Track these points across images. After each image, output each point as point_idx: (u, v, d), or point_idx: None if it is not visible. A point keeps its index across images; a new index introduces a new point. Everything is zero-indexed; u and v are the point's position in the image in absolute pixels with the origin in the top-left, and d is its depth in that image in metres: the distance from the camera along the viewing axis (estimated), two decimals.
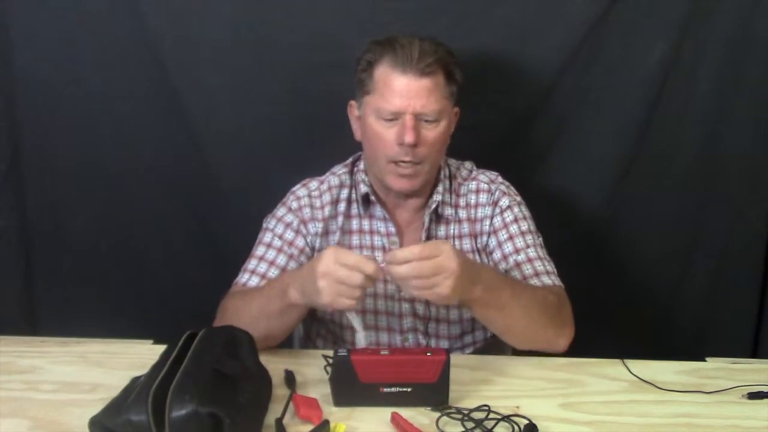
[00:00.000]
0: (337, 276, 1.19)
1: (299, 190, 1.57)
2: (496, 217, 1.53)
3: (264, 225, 1.56)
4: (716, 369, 1.38)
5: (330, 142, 1.76)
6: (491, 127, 1.80)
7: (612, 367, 1.37)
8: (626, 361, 1.37)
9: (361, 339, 1.28)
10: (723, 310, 1.90)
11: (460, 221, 1.54)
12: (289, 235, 1.52)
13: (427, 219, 1.52)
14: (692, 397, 1.27)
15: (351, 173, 1.57)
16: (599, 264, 1.88)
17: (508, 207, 1.53)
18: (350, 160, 1.59)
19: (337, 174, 1.57)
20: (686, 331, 1.91)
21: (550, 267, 1.49)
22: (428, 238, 1.52)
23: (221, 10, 1.74)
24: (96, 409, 1.09)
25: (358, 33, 1.68)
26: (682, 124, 1.78)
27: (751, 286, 1.87)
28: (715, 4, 1.69)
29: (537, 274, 1.46)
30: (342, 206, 1.54)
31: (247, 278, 1.50)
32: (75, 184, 1.88)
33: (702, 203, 1.84)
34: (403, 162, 1.42)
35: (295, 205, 1.54)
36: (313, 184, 1.57)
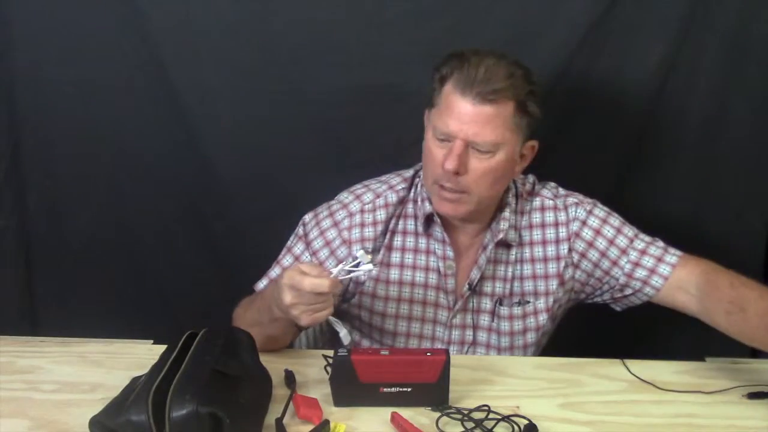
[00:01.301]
0: (304, 301, 1.18)
1: (352, 203, 1.45)
2: (583, 231, 1.45)
3: (302, 229, 1.47)
4: (716, 369, 1.38)
5: (330, 142, 1.76)
6: None
7: (612, 367, 1.37)
8: (626, 361, 1.37)
9: (346, 337, 1.27)
10: None
11: (522, 245, 1.46)
12: (323, 254, 1.44)
13: (491, 247, 1.43)
14: (692, 397, 1.28)
15: (410, 187, 1.47)
16: None
17: (588, 213, 1.46)
18: (411, 172, 1.49)
19: (396, 189, 1.46)
20: (686, 331, 1.90)
21: (661, 244, 1.45)
22: (488, 262, 1.44)
23: (221, 10, 1.74)
24: (96, 409, 1.09)
25: (359, 33, 1.68)
26: (682, 124, 1.78)
27: None
28: (715, 4, 1.69)
29: (660, 260, 1.42)
30: (392, 223, 1.44)
31: (266, 285, 1.46)
32: (75, 184, 1.87)
33: (702, 203, 1.84)
34: (445, 186, 1.35)
35: (346, 223, 1.43)
36: (368, 196, 1.46)
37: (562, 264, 1.45)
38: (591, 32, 1.72)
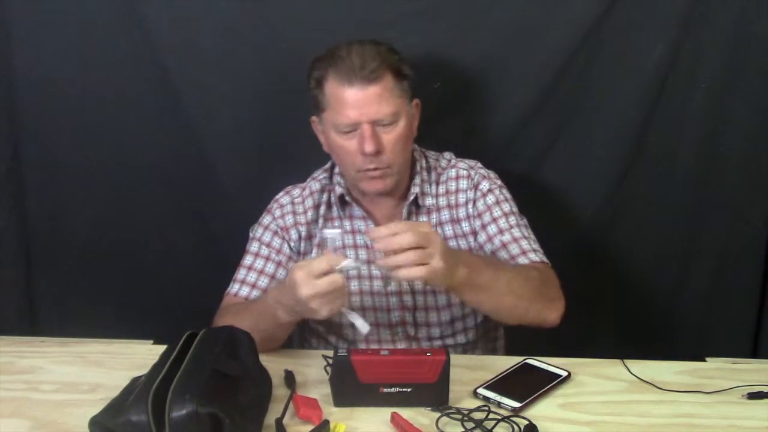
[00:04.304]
0: (322, 290, 1.19)
1: (282, 197, 1.60)
2: (478, 201, 1.55)
3: (251, 234, 1.59)
4: (716, 369, 1.38)
5: None
6: (491, 128, 1.80)
7: (612, 367, 1.37)
8: (626, 361, 1.37)
9: (364, 326, 1.27)
10: (723, 310, 1.90)
11: (440, 209, 1.56)
12: (276, 242, 1.56)
13: (405, 211, 1.53)
14: (692, 397, 1.27)
15: (330, 177, 1.59)
16: (599, 264, 1.88)
17: (489, 190, 1.55)
18: (329, 164, 1.61)
19: (318, 179, 1.60)
20: (686, 331, 1.91)
21: (535, 245, 1.51)
22: None
23: (221, 10, 1.74)
24: (96, 409, 1.09)
25: (358, 34, 1.68)
26: (682, 124, 1.78)
27: (751, 286, 1.87)
28: (715, 4, 1.69)
29: (523, 252, 1.48)
30: (322, 210, 1.57)
31: (238, 288, 1.52)
32: (75, 184, 1.87)
33: (702, 203, 1.84)
34: (370, 168, 1.45)
35: (278, 212, 1.57)
36: (296, 191, 1.60)
37: (472, 221, 1.55)
38: (591, 32, 1.72)
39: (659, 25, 1.71)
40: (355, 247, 1.55)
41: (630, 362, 1.37)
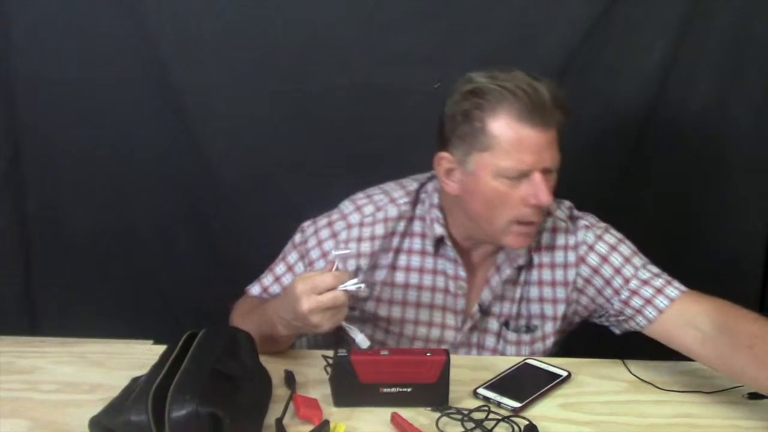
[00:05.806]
0: (324, 305, 1.16)
1: (352, 215, 1.39)
2: (589, 257, 1.37)
3: (300, 237, 1.43)
4: None
5: (330, 142, 1.76)
6: None
7: (612, 367, 1.37)
8: (626, 361, 1.37)
9: (364, 341, 1.27)
10: None
11: (531, 266, 1.40)
12: (319, 265, 1.39)
13: (509, 272, 1.38)
14: (692, 397, 1.27)
15: (414, 202, 1.40)
16: None
17: (597, 238, 1.38)
18: (415, 185, 1.42)
19: (397, 203, 1.39)
20: None
21: (667, 276, 1.36)
22: (502, 281, 1.40)
23: (221, 9, 1.74)
24: (96, 409, 1.09)
25: (359, 33, 1.69)
26: (682, 124, 1.78)
27: (751, 286, 1.87)
28: (715, 4, 1.69)
29: (659, 291, 1.33)
30: (396, 240, 1.39)
31: (258, 292, 1.45)
32: (75, 184, 1.88)
33: (702, 203, 1.84)
34: (532, 221, 1.29)
35: (344, 235, 1.38)
36: (368, 208, 1.39)
37: (570, 289, 1.40)
38: (591, 32, 1.72)
39: (659, 25, 1.71)
40: (434, 289, 1.40)
41: (630, 362, 1.37)
